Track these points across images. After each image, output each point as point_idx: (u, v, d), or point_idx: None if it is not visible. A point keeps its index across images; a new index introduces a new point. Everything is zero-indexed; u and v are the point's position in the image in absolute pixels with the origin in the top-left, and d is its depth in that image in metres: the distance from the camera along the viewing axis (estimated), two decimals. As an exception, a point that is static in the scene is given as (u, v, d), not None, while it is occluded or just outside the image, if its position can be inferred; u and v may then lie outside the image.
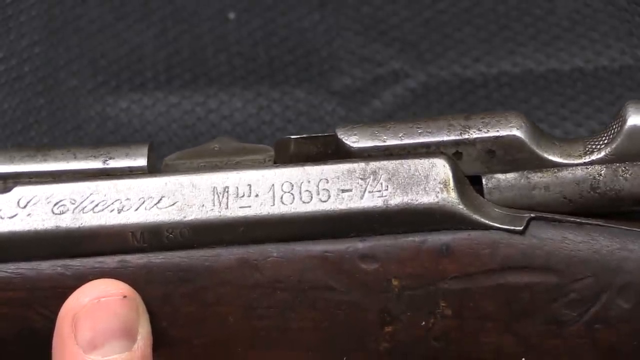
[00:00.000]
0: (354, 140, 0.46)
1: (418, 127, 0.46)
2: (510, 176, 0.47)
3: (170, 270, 0.46)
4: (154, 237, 0.46)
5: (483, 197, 0.46)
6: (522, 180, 0.47)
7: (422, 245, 0.45)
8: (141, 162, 0.47)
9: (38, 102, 0.77)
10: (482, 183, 0.47)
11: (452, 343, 0.46)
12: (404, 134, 0.46)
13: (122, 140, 0.75)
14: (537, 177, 0.47)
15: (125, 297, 0.45)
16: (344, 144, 0.47)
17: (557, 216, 0.46)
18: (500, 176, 0.46)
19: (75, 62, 0.78)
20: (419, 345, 0.46)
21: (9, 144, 0.75)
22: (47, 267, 0.46)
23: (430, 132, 0.46)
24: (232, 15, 0.80)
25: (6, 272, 0.46)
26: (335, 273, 0.46)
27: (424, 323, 0.46)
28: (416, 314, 0.46)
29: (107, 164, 0.47)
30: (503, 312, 0.46)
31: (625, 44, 0.77)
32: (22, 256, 0.46)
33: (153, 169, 0.48)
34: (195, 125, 0.76)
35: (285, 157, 0.49)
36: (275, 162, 0.49)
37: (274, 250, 0.46)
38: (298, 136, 0.49)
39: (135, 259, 0.46)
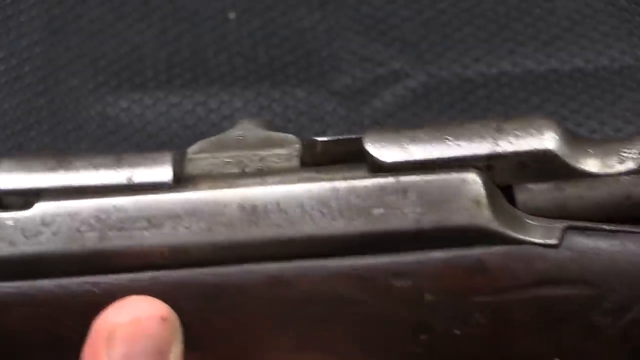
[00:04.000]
0: (382, 154, 0.45)
1: (447, 139, 0.45)
2: (543, 187, 0.45)
3: (200, 287, 0.45)
4: (183, 255, 0.45)
5: (515, 207, 0.45)
6: (555, 191, 0.46)
7: (455, 261, 0.44)
8: (166, 176, 0.46)
9: (38, 102, 0.77)
10: (513, 194, 0.46)
11: (486, 348, 0.46)
12: (434, 147, 0.45)
13: (123, 140, 0.75)
14: (570, 188, 0.45)
15: (163, 319, 0.44)
16: (371, 156, 0.45)
17: (590, 224, 0.45)
18: (533, 186, 0.45)
19: (75, 62, 0.78)
20: (453, 350, 0.46)
21: (9, 144, 0.75)
22: (75, 284, 0.45)
23: (460, 145, 0.45)
24: (232, 15, 0.80)
25: (33, 289, 0.45)
26: (368, 289, 0.45)
27: (458, 332, 0.45)
28: (450, 323, 0.45)
29: (131, 181, 0.46)
30: (537, 321, 0.45)
31: (626, 44, 0.77)
32: (49, 274, 0.45)
33: (178, 182, 0.46)
34: (196, 125, 0.76)
35: (312, 156, 0.48)
36: (301, 160, 0.48)
37: (305, 267, 0.45)
38: (325, 138, 0.48)
39: (166, 276, 0.45)
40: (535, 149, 0.44)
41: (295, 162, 0.48)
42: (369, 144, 0.45)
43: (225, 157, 0.48)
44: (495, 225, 0.44)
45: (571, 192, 0.45)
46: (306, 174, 0.47)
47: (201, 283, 0.45)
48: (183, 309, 0.45)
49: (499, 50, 0.77)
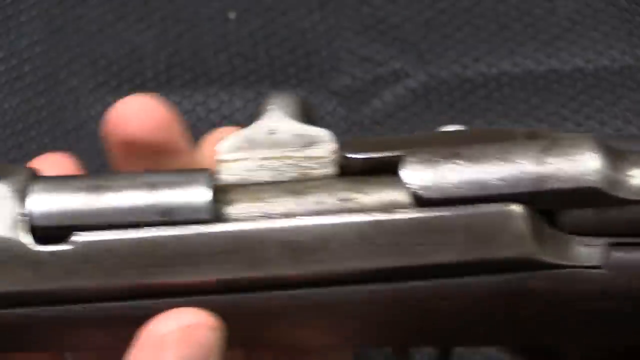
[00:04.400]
0: (424, 188, 0.45)
1: (491, 174, 0.44)
2: (586, 211, 0.45)
3: (245, 310, 0.45)
4: (227, 286, 0.45)
5: (556, 227, 0.45)
6: (598, 214, 0.45)
7: (499, 286, 0.44)
8: (205, 214, 0.44)
9: (38, 102, 0.77)
10: (555, 218, 0.45)
11: (532, 354, 0.46)
12: (476, 182, 0.44)
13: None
14: (613, 212, 0.45)
15: (212, 328, 0.44)
16: (413, 191, 0.45)
17: (632, 240, 0.44)
18: (575, 212, 0.45)
19: (75, 61, 0.78)
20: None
21: (9, 143, 0.75)
22: (118, 307, 0.45)
23: (503, 181, 0.44)
24: (232, 15, 0.80)
25: (78, 314, 0.45)
26: (411, 310, 0.45)
27: (497, 335, 0.46)
28: (491, 339, 0.47)
29: (168, 217, 0.44)
30: (581, 332, 0.45)
31: (626, 44, 0.77)
32: (93, 301, 0.45)
33: (219, 214, 0.45)
34: (196, 125, 0.75)
35: (349, 167, 0.47)
36: (339, 166, 0.47)
37: (346, 292, 0.44)
38: (365, 156, 0.47)
39: (209, 301, 0.44)
40: (579, 186, 0.44)
41: (331, 168, 0.47)
42: (408, 176, 0.44)
43: (258, 158, 0.47)
44: (539, 255, 0.44)
45: (614, 215, 0.44)
46: (343, 194, 0.45)
47: (247, 307, 0.45)
48: (232, 331, 0.45)
49: (499, 50, 0.77)
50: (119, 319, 0.45)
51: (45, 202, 0.45)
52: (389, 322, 0.45)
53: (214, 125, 0.76)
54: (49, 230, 0.44)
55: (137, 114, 0.50)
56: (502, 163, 0.44)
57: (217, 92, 0.77)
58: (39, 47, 0.79)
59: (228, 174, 0.47)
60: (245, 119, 0.76)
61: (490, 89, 0.76)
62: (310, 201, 0.45)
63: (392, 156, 0.45)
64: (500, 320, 0.45)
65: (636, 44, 0.76)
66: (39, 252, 0.44)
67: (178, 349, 0.43)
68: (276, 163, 0.47)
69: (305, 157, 0.47)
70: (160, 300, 0.44)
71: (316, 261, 0.44)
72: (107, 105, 0.76)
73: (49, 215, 0.45)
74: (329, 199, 0.45)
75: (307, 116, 0.49)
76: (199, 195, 0.44)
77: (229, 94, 0.77)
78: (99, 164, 0.74)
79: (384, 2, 0.80)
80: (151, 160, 0.49)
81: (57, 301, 0.45)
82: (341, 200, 0.45)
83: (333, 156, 0.47)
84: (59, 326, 0.45)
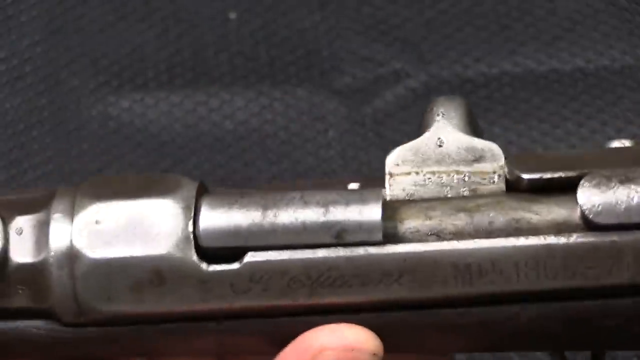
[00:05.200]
0: (598, 214, 0.44)
1: None
2: None
3: (413, 328, 0.45)
4: (395, 305, 0.45)
5: None
6: None
7: None
8: (377, 235, 0.44)
9: (40, 102, 0.77)
10: None
11: None
12: None
13: (124, 140, 0.75)
14: None
15: (375, 355, 0.44)
16: (586, 216, 0.45)
17: None
18: None
19: (76, 61, 0.78)
20: None
21: (11, 143, 0.75)
22: (285, 323, 0.45)
23: None
24: (233, 15, 0.80)
25: (242, 327, 0.45)
26: (578, 327, 0.45)
27: None
28: None
29: (341, 239, 0.44)
30: None
31: (627, 44, 0.77)
32: (259, 318, 0.45)
33: (390, 234, 0.44)
34: (197, 125, 0.76)
35: (518, 184, 0.46)
36: (507, 182, 0.46)
37: (517, 311, 0.45)
38: (533, 176, 0.46)
39: (377, 318, 0.45)
40: None
41: (500, 184, 0.46)
42: (584, 199, 0.44)
43: (426, 172, 0.47)
44: None
45: None
46: (515, 213, 0.45)
47: (411, 324, 0.45)
48: (392, 342, 0.45)
49: (500, 51, 0.77)
50: (282, 331, 0.45)
51: (216, 221, 0.44)
52: (552, 335, 0.46)
53: (216, 124, 0.76)
54: (218, 250, 0.44)
55: None
56: None
57: (218, 91, 0.77)
58: (40, 47, 0.79)
59: (397, 189, 0.46)
60: (247, 118, 0.76)
61: (491, 89, 0.76)
62: (481, 220, 0.45)
63: (565, 177, 0.45)
64: None
65: (636, 44, 0.77)
66: (208, 271, 0.44)
67: None
68: (445, 177, 0.46)
69: (474, 172, 0.46)
70: (327, 318, 0.44)
71: (487, 282, 0.44)
72: (108, 105, 0.77)
73: (219, 236, 0.44)
74: (500, 218, 0.45)
75: (473, 122, 0.48)
76: (370, 215, 0.44)
77: (230, 93, 0.77)
78: (100, 164, 0.75)
79: (384, 3, 0.80)
80: None
81: (223, 317, 0.45)
82: (513, 220, 0.45)
83: (501, 171, 0.46)
84: (220, 337, 0.45)
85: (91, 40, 0.79)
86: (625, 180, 0.44)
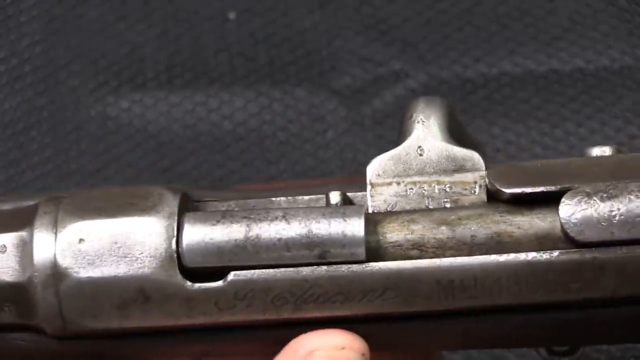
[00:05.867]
0: (580, 232, 0.44)
1: None
2: None
3: (397, 339, 0.46)
4: (378, 320, 0.45)
5: None
6: None
7: None
8: (360, 254, 0.44)
9: (39, 102, 0.77)
10: None
11: None
12: (631, 226, 0.44)
13: (123, 140, 0.75)
14: None
15: (364, 355, 0.44)
16: (569, 234, 0.45)
17: None
18: None
19: (76, 62, 0.78)
20: None
21: (10, 144, 0.75)
22: (267, 334, 0.45)
23: None
24: (232, 15, 0.80)
25: (229, 339, 0.46)
26: (560, 333, 0.46)
27: None
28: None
29: (324, 257, 0.44)
30: None
31: (626, 44, 0.77)
32: (243, 330, 0.46)
33: (371, 252, 0.45)
34: (196, 125, 0.76)
35: (499, 194, 0.46)
36: (488, 193, 0.46)
37: (497, 319, 0.45)
38: (514, 191, 0.46)
39: (361, 329, 0.45)
40: None
41: (481, 195, 0.46)
42: (565, 216, 0.44)
43: (407, 182, 0.47)
44: None
45: None
46: (497, 227, 0.45)
47: (394, 334, 0.46)
48: (372, 346, 0.45)
49: (499, 51, 0.77)
50: (267, 340, 0.45)
51: (198, 241, 0.44)
52: (534, 338, 0.46)
53: (215, 124, 0.76)
54: (202, 268, 0.44)
55: None
56: None
57: (217, 91, 0.77)
58: (39, 47, 0.79)
59: (379, 200, 0.47)
60: (246, 118, 0.76)
61: (490, 89, 0.76)
62: (463, 234, 0.45)
63: (546, 191, 0.45)
64: None
65: (636, 44, 0.76)
66: (192, 289, 0.44)
67: None
68: (426, 188, 0.47)
69: (455, 182, 0.47)
70: (311, 328, 0.45)
71: (469, 297, 0.44)
72: (107, 105, 0.77)
73: (203, 255, 0.44)
74: (482, 232, 0.45)
75: (453, 124, 0.49)
76: (353, 234, 0.44)
77: (229, 93, 0.77)
78: (99, 165, 0.75)
79: (384, 2, 0.80)
80: None
81: (208, 331, 0.45)
82: (494, 233, 0.45)
83: (482, 182, 0.46)
84: (205, 347, 0.46)
85: (91, 40, 0.79)
86: (606, 198, 0.45)
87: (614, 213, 0.44)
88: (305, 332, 0.44)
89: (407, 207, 0.46)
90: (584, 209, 0.44)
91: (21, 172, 0.74)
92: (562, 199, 0.45)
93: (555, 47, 0.77)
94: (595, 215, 0.44)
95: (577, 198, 0.45)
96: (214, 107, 0.76)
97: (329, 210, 0.45)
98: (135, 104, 0.76)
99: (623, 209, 0.44)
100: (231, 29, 0.79)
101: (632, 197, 0.45)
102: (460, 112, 0.75)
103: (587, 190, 0.45)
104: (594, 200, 0.44)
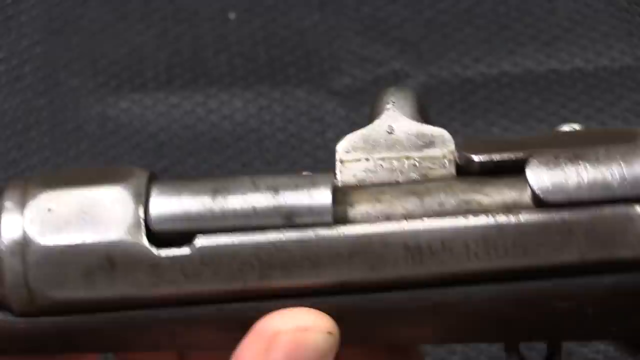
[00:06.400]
0: (547, 190, 0.44)
1: (612, 174, 0.44)
2: None
3: (364, 311, 0.45)
4: (346, 288, 0.45)
5: None
6: None
7: (620, 286, 0.44)
8: (327, 217, 0.44)
9: (38, 103, 0.77)
10: None
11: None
12: (599, 184, 0.44)
13: (123, 140, 0.75)
14: None
15: (329, 332, 0.44)
16: (535, 193, 0.45)
17: None
18: None
19: (75, 62, 0.78)
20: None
21: (9, 144, 0.75)
22: (237, 309, 0.45)
23: (625, 182, 0.44)
24: (232, 16, 0.80)
25: (195, 315, 0.45)
26: (530, 309, 0.45)
27: (614, 329, 0.47)
28: (606, 330, 0.47)
29: (291, 220, 0.44)
30: None
31: (626, 44, 0.77)
32: (210, 304, 0.45)
33: (338, 217, 0.45)
34: (196, 126, 0.76)
35: (468, 167, 0.46)
36: (457, 166, 0.46)
37: (468, 292, 0.45)
38: (483, 159, 0.46)
39: (328, 302, 0.44)
40: None
41: (450, 169, 0.47)
42: (533, 178, 0.44)
43: (377, 158, 0.47)
44: None
45: None
46: (465, 196, 0.45)
47: (364, 308, 0.45)
48: (345, 330, 0.45)
49: (499, 51, 0.77)
50: (234, 319, 0.45)
51: (166, 206, 0.45)
52: (505, 320, 0.46)
53: (215, 125, 0.76)
54: (169, 234, 0.44)
55: None
56: (626, 164, 0.44)
57: (217, 92, 0.77)
58: (39, 47, 0.79)
59: (348, 175, 0.47)
60: (246, 119, 0.76)
61: (490, 89, 0.76)
62: (431, 203, 0.45)
63: (514, 158, 0.45)
64: (615, 317, 0.45)
65: (636, 44, 0.76)
66: (158, 256, 0.44)
67: (289, 349, 0.43)
68: (395, 163, 0.47)
69: (424, 157, 0.47)
70: (279, 302, 0.44)
71: (437, 262, 0.44)
72: (107, 105, 0.77)
73: (169, 219, 0.44)
74: (450, 200, 0.45)
75: (423, 112, 0.49)
76: (321, 197, 0.44)
77: (229, 94, 0.77)
78: (98, 165, 0.75)
79: (384, 3, 0.80)
80: None
81: (175, 303, 0.45)
82: (463, 202, 0.45)
83: (451, 156, 0.47)
84: (174, 326, 0.45)
85: (90, 40, 0.79)
86: (573, 158, 0.44)
87: (581, 173, 0.44)
88: (273, 308, 0.44)
89: (377, 182, 0.46)
90: (551, 169, 0.44)
91: (20, 173, 0.74)
92: (530, 160, 0.45)
93: (555, 47, 0.77)
94: (563, 175, 0.44)
95: (545, 159, 0.45)
96: (214, 108, 0.76)
97: (297, 177, 0.45)
98: (135, 104, 0.76)
99: (591, 168, 0.44)
100: (231, 29, 0.79)
101: (600, 157, 0.44)
102: (460, 112, 0.75)
103: (554, 152, 0.45)
104: (562, 160, 0.44)
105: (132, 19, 0.80)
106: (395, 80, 0.77)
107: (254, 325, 0.44)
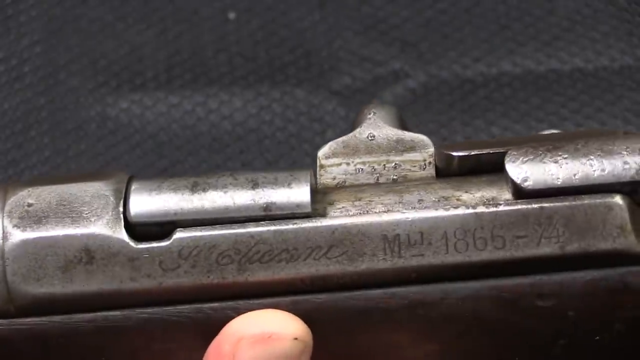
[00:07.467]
0: (525, 179, 0.44)
1: (591, 162, 0.44)
2: None
3: (342, 310, 0.45)
4: (324, 283, 0.45)
5: None
6: None
7: (598, 282, 0.44)
8: (305, 207, 0.44)
9: (38, 102, 0.77)
10: None
11: (624, 349, 0.46)
12: (578, 172, 0.44)
13: (122, 140, 0.75)
14: None
15: (295, 338, 0.43)
16: (514, 182, 0.44)
17: None
18: None
19: (75, 62, 0.78)
20: (591, 350, 0.46)
21: (9, 144, 0.75)
22: (214, 309, 0.45)
23: (604, 171, 0.44)
24: (232, 15, 0.80)
25: (173, 315, 0.45)
26: (510, 308, 0.45)
27: (598, 338, 0.46)
28: (591, 332, 0.46)
29: (269, 212, 0.45)
30: None
31: (626, 44, 0.77)
32: (188, 302, 0.45)
33: (317, 209, 0.45)
34: (196, 126, 0.76)
35: (447, 165, 0.47)
36: (437, 169, 0.47)
37: (446, 289, 0.44)
38: (463, 153, 0.47)
39: (307, 300, 0.45)
40: None
41: (430, 171, 0.47)
42: (511, 168, 0.45)
43: (357, 162, 0.47)
44: (638, 248, 0.44)
45: None
46: (444, 192, 0.46)
47: (343, 306, 0.45)
48: (324, 329, 0.44)
49: (499, 51, 0.77)
50: (212, 320, 0.45)
51: (145, 200, 0.45)
52: (484, 321, 0.45)
53: (214, 125, 0.76)
54: (148, 228, 0.45)
55: None
56: (604, 155, 0.45)
57: (217, 92, 0.77)
58: (38, 47, 0.79)
59: (328, 178, 0.47)
60: (245, 118, 0.76)
61: (490, 89, 0.76)
62: (410, 199, 0.45)
63: (493, 154, 0.45)
64: (597, 318, 0.45)
65: (636, 44, 0.76)
66: (137, 249, 0.44)
67: (255, 354, 0.43)
68: (376, 166, 0.47)
69: (404, 161, 0.47)
70: (257, 302, 0.44)
71: (416, 255, 0.44)
72: (106, 105, 0.77)
73: (149, 213, 0.45)
74: (430, 197, 0.45)
75: (403, 125, 0.49)
76: (299, 189, 0.45)
77: (228, 94, 0.77)
78: (98, 165, 0.75)
79: (384, 2, 0.80)
80: None
81: (153, 301, 0.45)
82: (442, 197, 0.45)
83: (431, 159, 0.47)
84: (151, 328, 0.45)
85: (90, 40, 0.79)
86: (553, 149, 0.45)
87: (559, 162, 0.44)
88: (250, 309, 0.44)
89: (356, 183, 0.47)
90: (530, 159, 0.44)
91: (20, 173, 0.74)
92: (509, 152, 0.45)
93: (555, 46, 0.77)
94: (541, 164, 0.44)
95: (524, 150, 0.45)
96: (213, 108, 0.76)
97: (276, 171, 0.45)
98: (134, 104, 0.76)
99: (570, 158, 0.44)
100: (231, 29, 0.79)
101: (578, 146, 0.45)
102: (460, 112, 0.75)
103: (533, 145, 0.45)
104: (541, 151, 0.45)
105: (132, 19, 0.80)
106: (395, 80, 0.77)
107: (223, 328, 0.44)
